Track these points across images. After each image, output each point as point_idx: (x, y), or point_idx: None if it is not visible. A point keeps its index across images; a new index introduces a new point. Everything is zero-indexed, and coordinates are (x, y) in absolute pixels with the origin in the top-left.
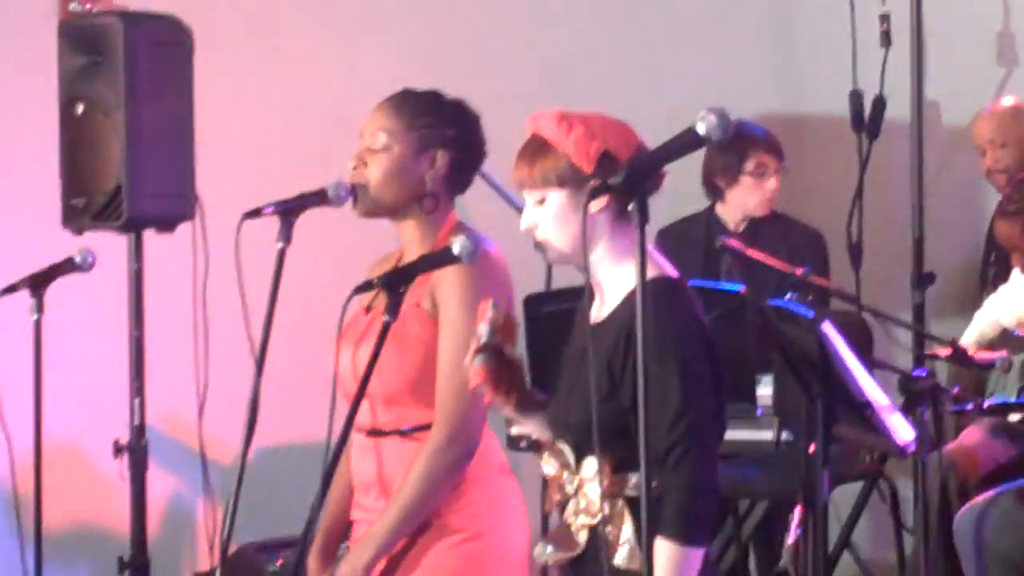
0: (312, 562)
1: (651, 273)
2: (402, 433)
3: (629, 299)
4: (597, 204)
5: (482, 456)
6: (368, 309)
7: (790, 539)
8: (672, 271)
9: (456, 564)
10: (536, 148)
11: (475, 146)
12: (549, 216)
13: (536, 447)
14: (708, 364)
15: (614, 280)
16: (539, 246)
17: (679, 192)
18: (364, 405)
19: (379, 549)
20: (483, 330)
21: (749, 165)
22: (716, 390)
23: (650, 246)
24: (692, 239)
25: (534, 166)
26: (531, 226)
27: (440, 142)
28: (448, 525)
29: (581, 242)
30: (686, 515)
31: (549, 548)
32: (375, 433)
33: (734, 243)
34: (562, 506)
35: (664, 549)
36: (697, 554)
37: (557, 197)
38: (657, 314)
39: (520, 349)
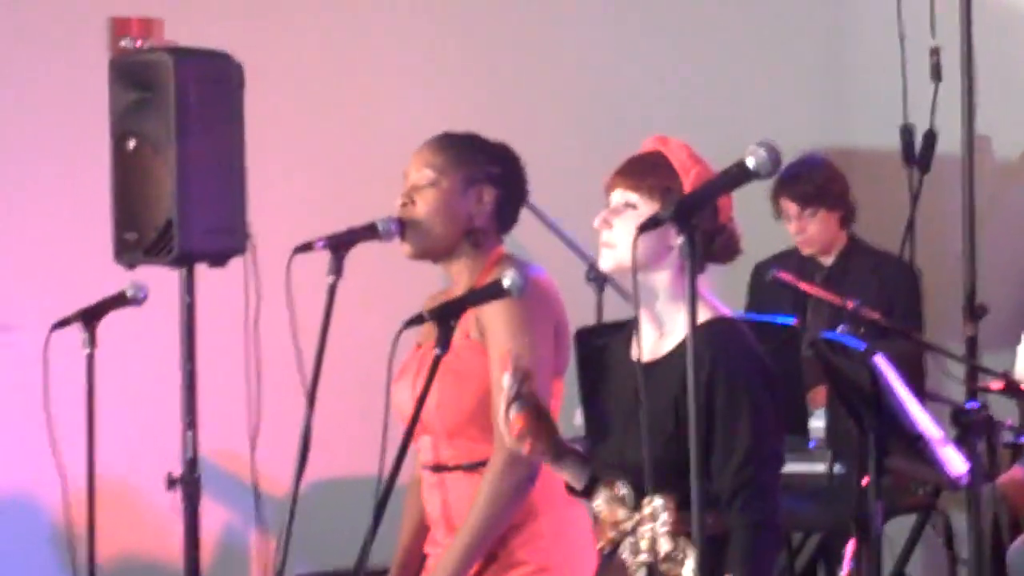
0: None
1: (707, 314)
2: (466, 468)
3: (696, 336)
4: (676, 240)
5: (546, 485)
6: (420, 345)
7: (843, 572)
8: (726, 311)
9: None
10: (657, 161)
11: (519, 184)
12: (633, 223)
13: (571, 491)
14: (774, 407)
15: (671, 319)
16: (600, 247)
17: None
18: (428, 442)
19: None
20: (509, 380)
21: (779, 208)
22: (780, 432)
23: (706, 288)
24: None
25: (646, 175)
26: (606, 225)
27: (486, 178)
28: (515, 557)
29: (641, 261)
30: (752, 555)
31: None
32: (439, 469)
33: (784, 276)
34: (615, 545)
35: None
36: None
37: (650, 211)
38: (725, 355)
39: (572, 382)
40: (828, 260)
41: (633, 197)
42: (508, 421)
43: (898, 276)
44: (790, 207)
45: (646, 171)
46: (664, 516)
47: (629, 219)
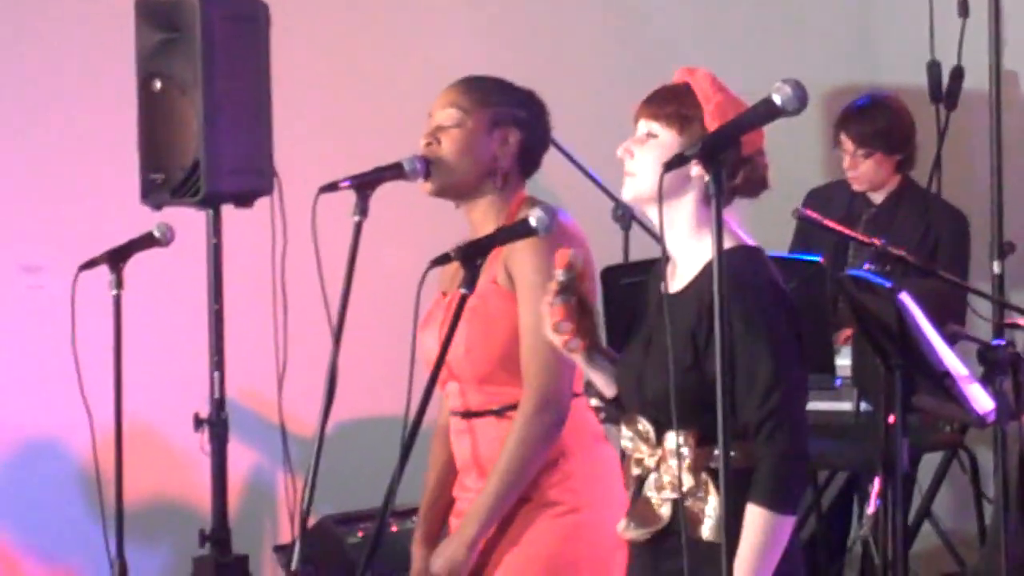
0: (416, 548)
1: (729, 243)
2: (496, 413)
3: (709, 269)
4: (698, 168)
5: (576, 425)
6: (445, 294)
7: (870, 509)
8: (750, 241)
9: (556, 537)
10: (681, 91)
11: (544, 129)
12: (653, 153)
13: (610, 418)
14: (794, 333)
15: (691, 251)
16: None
17: None
18: (456, 388)
19: (481, 524)
20: (562, 274)
21: (838, 140)
22: (801, 359)
23: (730, 218)
24: (835, 203)
25: (669, 103)
26: (628, 154)
27: (512, 121)
28: (547, 499)
29: (665, 192)
30: (780, 483)
31: (632, 524)
32: (469, 415)
33: (808, 212)
34: (641, 481)
35: (756, 516)
36: (788, 522)
37: (670, 140)
38: (742, 284)
39: (599, 319)
40: (879, 198)
41: (655, 126)
42: (551, 309)
43: (946, 220)
44: (847, 143)
45: (667, 100)
46: (685, 451)
47: (650, 148)
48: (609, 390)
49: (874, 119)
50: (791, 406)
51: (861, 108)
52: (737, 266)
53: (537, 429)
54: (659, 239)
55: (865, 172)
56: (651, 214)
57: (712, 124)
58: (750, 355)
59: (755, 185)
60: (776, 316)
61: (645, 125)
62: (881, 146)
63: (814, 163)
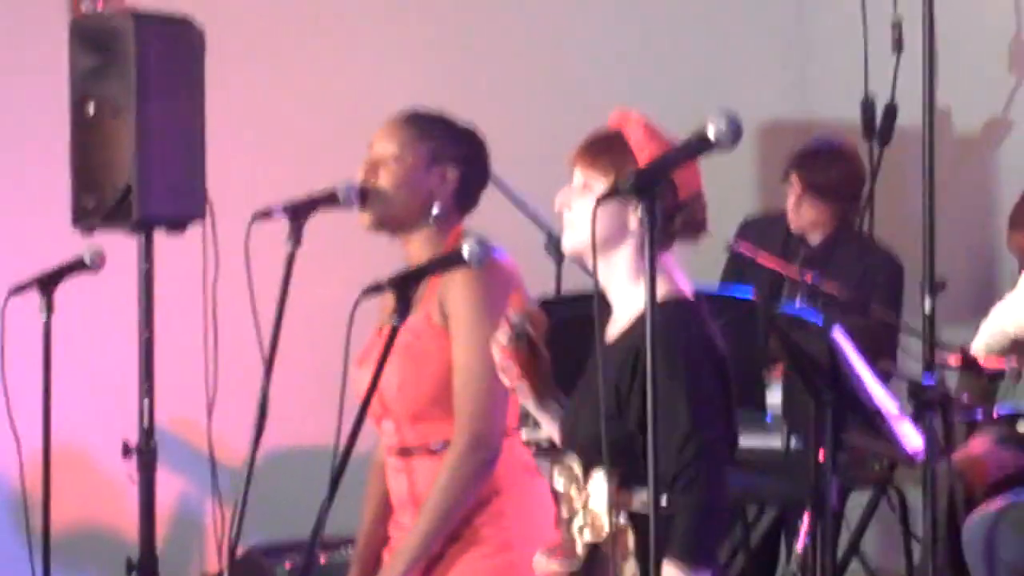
0: None
1: (666, 292)
2: (431, 450)
3: (641, 320)
4: (635, 218)
5: (509, 461)
6: (381, 330)
7: (799, 546)
8: (688, 289)
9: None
10: (613, 140)
11: (483, 167)
12: (585, 206)
13: (547, 453)
14: (720, 387)
15: (628, 298)
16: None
17: None
18: (391, 426)
19: (410, 562)
20: (516, 319)
21: (787, 176)
22: (728, 414)
23: (670, 263)
24: (770, 237)
25: (601, 154)
26: (564, 206)
27: (450, 158)
28: (479, 535)
29: (600, 241)
30: (694, 538)
31: (549, 560)
32: (404, 452)
33: (743, 248)
34: (569, 521)
35: (670, 572)
36: None
37: (601, 190)
38: (665, 338)
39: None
40: (815, 239)
41: (590, 177)
42: (500, 348)
43: (881, 265)
44: (797, 184)
45: (601, 150)
46: (605, 494)
47: (588, 199)
48: (557, 435)
49: (828, 170)
50: (708, 460)
51: (818, 154)
52: (667, 319)
53: (469, 467)
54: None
55: (807, 216)
56: (591, 264)
57: None
58: (669, 408)
59: (694, 228)
60: (698, 370)
61: (581, 176)
62: (830, 197)
63: (746, 193)
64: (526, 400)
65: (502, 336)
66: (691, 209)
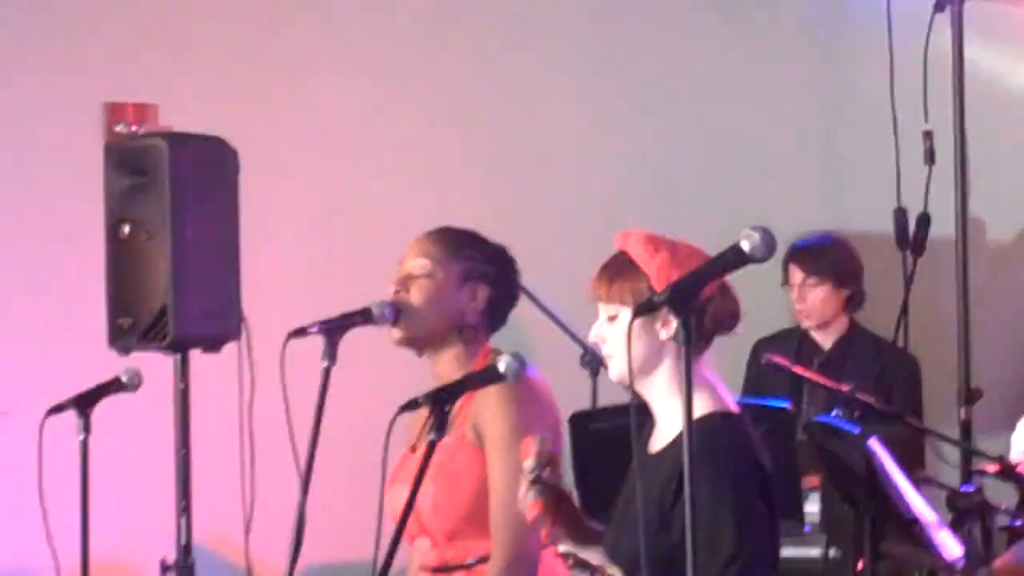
0: None
1: (708, 407)
2: (466, 567)
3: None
4: (666, 331)
5: (543, 572)
6: (414, 449)
7: None
8: (730, 401)
9: None
10: (620, 265)
11: (512, 286)
12: (618, 333)
13: (581, 566)
14: (765, 506)
15: (672, 410)
16: (603, 362)
17: None
18: (426, 543)
19: None
20: (531, 464)
21: (786, 275)
22: (772, 532)
23: (711, 373)
24: (784, 351)
25: (614, 282)
26: (599, 340)
27: (481, 276)
28: None
29: (641, 363)
30: None
31: None
32: (441, 570)
33: (778, 359)
34: None
35: None
36: None
37: (629, 316)
38: (710, 453)
39: (567, 467)
40: (828, 343)
41: (611, 309)
42: (526, 504)
43: (898, 364)
44: (796, 273)
45: (612, 279)
46: None
47: (617, 330)
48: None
49: (823, 250)
50: None
51: (809, 244)
52: (710, 433)
53: None
54: (636, 396)
55: (813, 303)
56: (641, 390)
57: (661, 284)
58: (713, 525)
59: (726, 319)
60: (743, 487)
61: (603, 309)
62: (830, 275)
63: (781, 306)
64: (563, 546)
65: (522, 490)
66: (718, 300)
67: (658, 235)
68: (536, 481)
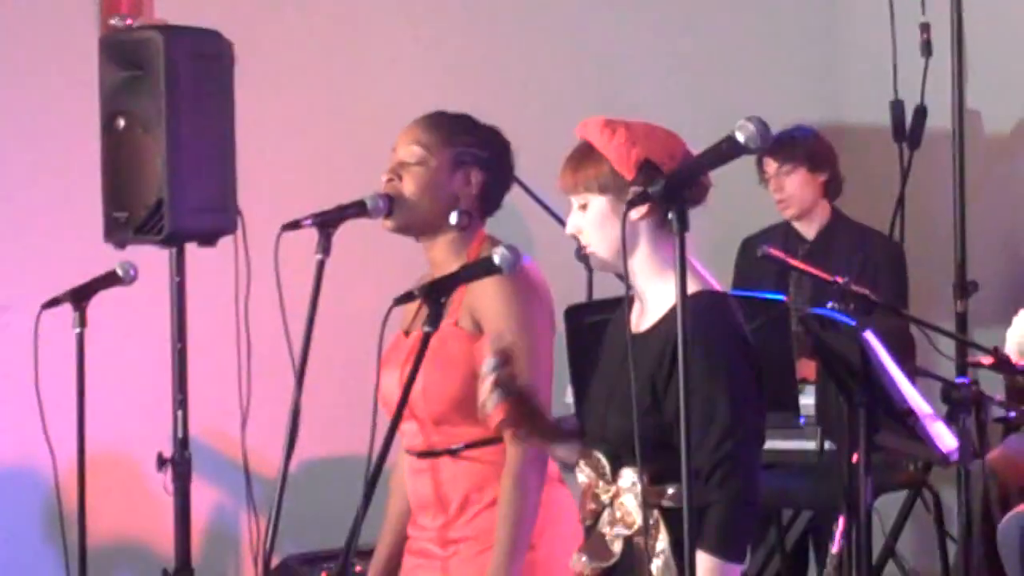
0: None
1: (694, 287)
2: (452, 452)
3: (673, 312)
4: (638, 212)
5: None
6: (407, 333)
7: (834, 548)
8: (716, 284)
9: None
10: (582, 154)
11: (507, 169)
12: (591, 222)
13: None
14: (754, 382)
15: (656, 291)
16: (583, 251)
17: None
18: (414, 427)
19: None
20: (489, 364)
21: (761, 171)
22: (760, 407)
23: (693, 258)
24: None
25: (578, 171)
26: (575, 231)
27: (475, 161)
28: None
29: (619, 247)
30: (728, 531)
31: (584, 558)
32: (427, 454)
33: (774, 252)
34: (596, 515)
35: (703, 562)
36: (735, 570)
37: (599, 203)
38: (703, 330)
39: (562, 360)
40: (811, 233)
41: (580, 199)
42: (488, 410)
43: (882, 251)
44: (769, 164)
45: (576, 168)
46: (638, 488)
47: (590, 218)
48: (572, 458)
49: (792, 138)
50: (745, 453)
51: (780, 137)
52: (701, 311)
53: (531, 483)
54: (629, 285)
55: (791, 191)
56: (622, 270)
57: (622, 168)
58: (708, 400)
59: (700, 193)
60: (736, 363)
61: (574, 199)
62: (803, 160)
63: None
64: (535, 445)
65: (484, 393)
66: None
67: (615, 118)
68: (497, 384)
